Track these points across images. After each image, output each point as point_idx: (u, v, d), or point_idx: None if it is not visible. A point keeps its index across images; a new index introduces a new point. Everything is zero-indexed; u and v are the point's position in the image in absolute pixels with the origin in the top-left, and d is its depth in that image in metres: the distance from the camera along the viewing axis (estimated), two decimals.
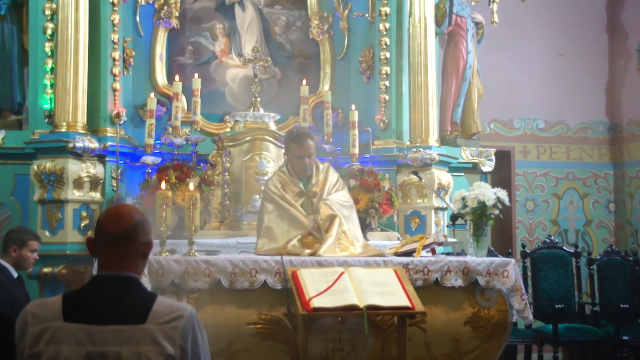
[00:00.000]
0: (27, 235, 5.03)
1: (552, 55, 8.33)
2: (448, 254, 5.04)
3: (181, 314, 2.21)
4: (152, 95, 6.17)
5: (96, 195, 5.93)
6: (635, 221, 8.05)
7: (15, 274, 4.93)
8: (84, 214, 5.85)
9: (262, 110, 6.29)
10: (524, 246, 6.91)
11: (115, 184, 6.01)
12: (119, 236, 2.23)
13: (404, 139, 6.65)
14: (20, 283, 4.96)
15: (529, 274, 6.67)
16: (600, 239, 8.25)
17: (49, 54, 6.09)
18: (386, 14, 6.65)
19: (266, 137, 6.14)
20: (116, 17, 6.18)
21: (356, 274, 4.05)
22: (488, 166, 7.25)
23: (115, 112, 6.12)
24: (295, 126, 6.31)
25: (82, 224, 5.82)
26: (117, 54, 6.18)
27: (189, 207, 4.22)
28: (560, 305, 6.08)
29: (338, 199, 4.69)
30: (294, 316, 4.07)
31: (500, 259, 4.61)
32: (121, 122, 6.11)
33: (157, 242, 4.19)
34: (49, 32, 6.09)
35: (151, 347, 2.15)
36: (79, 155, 5.82)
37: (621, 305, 6.19)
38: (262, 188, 5.20)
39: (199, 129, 6.23)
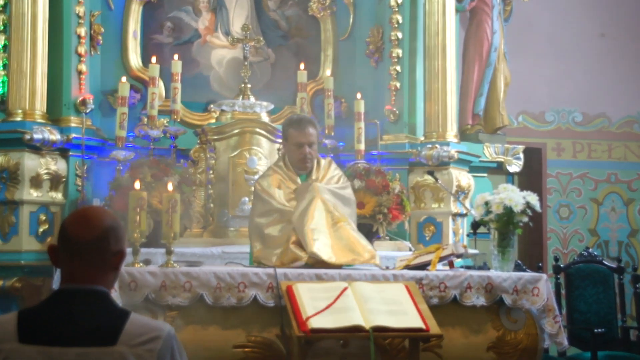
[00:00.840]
0: None
1: (593, 35, 8.34)
2: (468, 267, 5.05)
3: (158, 334, 2.22)
4: (124, 79, 6.17)
5: (57, 196, 5.94)
6: None
7: None
8: (43, 217, 5.85)
9: (252, 99, 6.30)
10: (557, 260, 6.92)
11: (80, 183, 6.03)
12: (87, 243, 2.24)
13: (417, 133, 6.67)
14: None
15: (563, 292, 6.67)
16: None
17: (1, 28, 6.09)
18: None
19: (257, 129, 6.15)
20: None
21: (361, 290, 4.07)
22: (515, 166, 7.26)
23: (80, 98, 6.13)
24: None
25: (40, 230, 5.82)
26: (82, 30, 6.19)
27: (167, 211, 4.23)
28: (600, 330, 6.08)
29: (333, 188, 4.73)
30: (288, 338, 4.08)
31: (529, 274, 4.62)
32: (87, 111, 6.12)
33: (130, 251, 4.20)
34: (1, 2, 6.09)
35: None
36: (37, 148, 5.82)
37: None
38: (253, 189, 5.21)
39: (179, 120, 6.24)
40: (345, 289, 4.06)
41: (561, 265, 6.81)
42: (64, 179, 5.97)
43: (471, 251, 5.20)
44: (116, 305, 2.28)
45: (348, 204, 4.79)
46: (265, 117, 6.29)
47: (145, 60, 6.54)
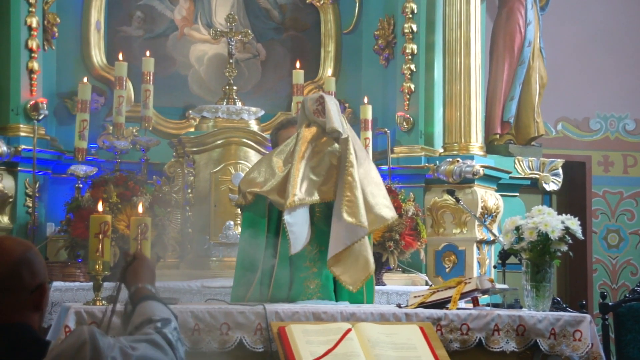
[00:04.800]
0: None
1: None
2: (496, 305, 5.06)
3: (81, 342, 2.14)
4: (85, 79, 6.22)
5: (3, 220, 5.97)
6: None
7: None
8: None
9: (239, 103, 6.34)
10: (604, 296, 6.94)
11: (30, 204, 6.05)
12: None
13: (435, 144, 6.71)
14: None
15: (612, 336, 6.69)
16: None
17: None
18: None
19: (244, 140, 6.18)
20: None
21: (368, 332, 4.10)
22: (553, 183, 7.29)
23: (31, 102, 6.15)
24: None
25: None
26: (34, 21, 6.21)
27: (135, 237, 4.26)
28: None
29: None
30: None
31: (570, 315, 4.64)
32: (40, 118, 6.14)
33: (91, 286, 4.24)
34: None
35: None
36: None
37: None
38: (239, 211, 5.23)
39: (150, 128, 6.29)
40: (348, 331, 4.09)
41: (610, 304, 6.82)
42: (11, 200, 6.00)
43: (499, 286, 5.22)
44: (38, 338, 2.26)
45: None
46: (254, 126, 6.32)
47: (111, 57, 6.58)
